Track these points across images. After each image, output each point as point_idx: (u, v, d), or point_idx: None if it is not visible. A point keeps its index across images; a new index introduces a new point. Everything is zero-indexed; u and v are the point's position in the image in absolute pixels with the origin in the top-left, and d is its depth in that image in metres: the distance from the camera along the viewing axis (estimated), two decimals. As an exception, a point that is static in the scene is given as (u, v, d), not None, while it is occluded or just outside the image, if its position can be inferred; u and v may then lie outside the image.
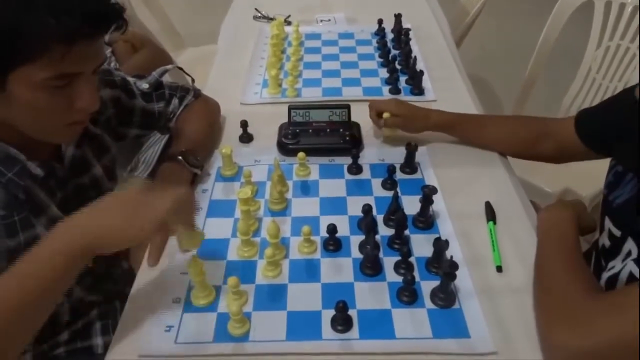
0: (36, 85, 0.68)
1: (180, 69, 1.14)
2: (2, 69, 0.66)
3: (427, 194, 0.88)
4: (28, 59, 0.66)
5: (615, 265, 0.81)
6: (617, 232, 0.83)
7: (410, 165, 1.02)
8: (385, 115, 1.07)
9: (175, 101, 1.06)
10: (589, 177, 1.38)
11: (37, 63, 0.66)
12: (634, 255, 0.77)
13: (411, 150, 1.01)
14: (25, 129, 0.75)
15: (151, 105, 1.04)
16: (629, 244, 0.79)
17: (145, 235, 0.67)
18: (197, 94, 1.11)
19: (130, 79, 1.02)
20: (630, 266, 0.76)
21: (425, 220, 0.90)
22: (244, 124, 1.11)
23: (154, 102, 1.04)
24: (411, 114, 1.07)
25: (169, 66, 1.12)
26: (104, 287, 0.94)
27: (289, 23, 1.62)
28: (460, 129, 1.09)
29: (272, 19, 1.65)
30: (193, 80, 1.13)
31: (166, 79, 1.12)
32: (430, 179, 1.00)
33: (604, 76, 1.61)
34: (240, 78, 1.36)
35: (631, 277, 0.75)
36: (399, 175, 1.01)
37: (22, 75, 0.67)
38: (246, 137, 1.13)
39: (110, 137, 0.96)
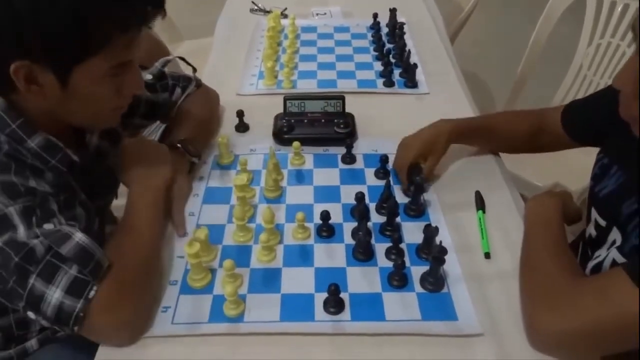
0: (98, 76, 0.72)
1: (182, 59, 1.16)
2: (69, 64, 0.69)
3: (419, 183, 0.90)
4: (94, 52, 0.69)
5: (601, 254, 0.84)
6: (602, 223, 0.85)
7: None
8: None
9: (178, 90, 1.08)
10: (578, 171, 1.40)
11: (100, 55, 0.69)
12: (619, 243, 0.79)
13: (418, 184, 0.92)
14: (74, 118, 0.79)
15: (155, 96, 1.05)
16: (614, 234, 0.81)
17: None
18: (199, 83, 1.12)
19: None
20: (614, 254, 0.79)
21: (417, 209, 0.92)
22: (240, 114, 1.13)
23: (159, 93, 1.06)
24: (427, 146, 0.98)
25: (171, 57, 1.14)
26: None
27: (285, 16, 1.63)
28: (470, 138, 1.04)
29: (268, 12, 1.67)
30: (195, 70, 1.15)
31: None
32: (423, 170, 1.02)
33: (594, 73, 1.64)
34: (236, 70, 1.38)
35: (614, 264, 0.78)
36: (391, 165, 1.03)
37: (87, 68, 0.70)
38: (242, 127, 1.14)
39: (120, 127, 0.98)
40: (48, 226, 0.68)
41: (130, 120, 1.02)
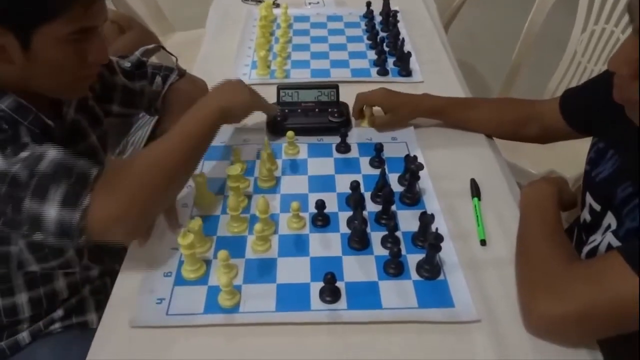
0: (59, 40, 0.71)
1: (162, 47, 1.14)
2: (29, 25, 0.69)
3: (414, 171, 0.90)
4: (54, 15, 0.69)
5: (596, 238, 0.83)
6: (597, 207, 0.85)
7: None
8: (367, 112, 1.09)
9: (158, 79, 1.06)
10: (572, 159, 1.42)
11: (61, 19, 0.69)
12: (614, 227, 0.79)
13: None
14: (40, 86, 0.78)
15: (132, 83, 1.04)
16: (609, 218, 0.81)
17: (253, 105, 0.98)
18: (182, 72, 1.11)
19: (113, 58, 1.01)
20: (609, 238, 0.79)
21: (412, 197, 0.92)
22: (233, 104, 1.12)
23: (136, 80, 1.04)
24: (401, 104, 1.07)
25: (151, 45, 1.12)
26: (103, 258, 0.97)
27: (277, 5, 1.61)
28: (449, 114, 1.09)
29: (260, 2, 1.65)
30: (177, 59, 1.13)
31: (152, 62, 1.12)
32: (418, 159, 1.01)
33: (589, 60, 1.64)
34: (229, 60, 1.36)
35: (609, 249, 0.78)
36: (386, 154, 1.02)
37: (47, 31, 0.70)
38: (235, 117, 1.13)
39: (101, 111, 0.97)
40: (24, 154, 0.69)
41: (109, 108, 1.01)
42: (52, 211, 0.68)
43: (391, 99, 1.08)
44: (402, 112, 1.08)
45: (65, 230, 0.69)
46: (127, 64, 1.03)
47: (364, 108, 1.10)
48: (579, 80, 1.67)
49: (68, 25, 0.70)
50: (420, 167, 0.91)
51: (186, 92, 1.08)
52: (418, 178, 0.91)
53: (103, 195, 0.71)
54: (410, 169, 0.90)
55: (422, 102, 1.07)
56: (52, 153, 0.70)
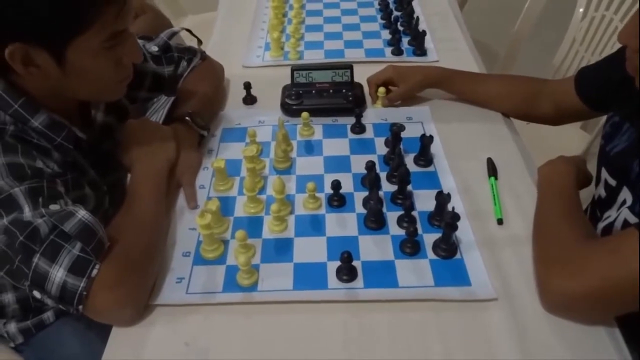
0: (93, 50, 0.71)
1: (189, 30, 1.14)
2: (62, 40, 0.69)
3: (426, 142, 0.92)
4: (85, 27, 0.68)
5: (611, 214, 0.83)
6: (612, 182, 0.84)
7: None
8: (381, 90, 1.09)
9: (183, 64, 1.07)
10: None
11: (92, 29, 0.69)
12: (629, 203, 0.78)
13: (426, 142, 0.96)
14: (78, 94, 0.78)
15: (161, 68, 1.04)
16: (624, 193, 0.80)
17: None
18: (204, 56, 1.11)
19: (139, 42, 1.02)
20: (625, 214, 0.78)
21: (425, 159, 0.95)
22: (247, 86, 1.12)
23: (164, 66, 1.05)
24: (411, 73, 1.08)
25: (177, 28, 1.12)
26: None
27: (289, -14, 1.60)
28: (456, 84, 1.08)
29: (272, -17, 1.63)
30: (200, 42, 1.13)
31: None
32: (434, 138, 1.00)
33: (586, 49, 1.55)
34: (242, 42, 1.36)
35: (626, 224, 0.77)
36: (401, 134, 1.01)
37: (80, 43, 0.69)
38: (250, 99, 1.13)
39: (127, 100, 0.98)
40: (54, 207, 0.68)
41: (137, 94, 1.02)
42: (59, 274, 0.66)
43: (400, 71, 1.09)
44: (412, 80, 1.08)
45: (66, 296, 0.66)
46: (154, 48, 1.03)
47: (377, 90, 1.10)
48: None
49: (100, 33, 0.70)
50: (431, 139, 0.93)
51: (205, 75, 1.09)
52: (430, 143, 0.93)
53: (114, 274, 0.69)
54: (422, 141, 0.93)
55: (431, 72, 1.08)
56: (82, 213, 0.69)
